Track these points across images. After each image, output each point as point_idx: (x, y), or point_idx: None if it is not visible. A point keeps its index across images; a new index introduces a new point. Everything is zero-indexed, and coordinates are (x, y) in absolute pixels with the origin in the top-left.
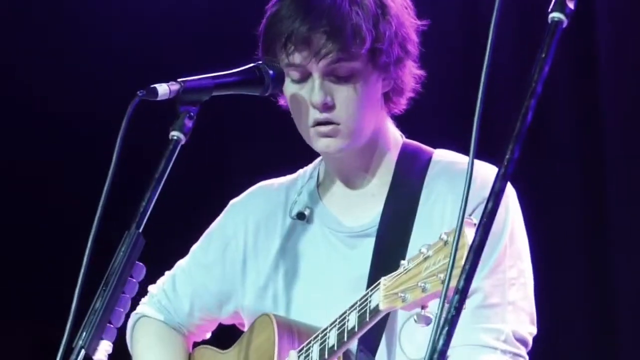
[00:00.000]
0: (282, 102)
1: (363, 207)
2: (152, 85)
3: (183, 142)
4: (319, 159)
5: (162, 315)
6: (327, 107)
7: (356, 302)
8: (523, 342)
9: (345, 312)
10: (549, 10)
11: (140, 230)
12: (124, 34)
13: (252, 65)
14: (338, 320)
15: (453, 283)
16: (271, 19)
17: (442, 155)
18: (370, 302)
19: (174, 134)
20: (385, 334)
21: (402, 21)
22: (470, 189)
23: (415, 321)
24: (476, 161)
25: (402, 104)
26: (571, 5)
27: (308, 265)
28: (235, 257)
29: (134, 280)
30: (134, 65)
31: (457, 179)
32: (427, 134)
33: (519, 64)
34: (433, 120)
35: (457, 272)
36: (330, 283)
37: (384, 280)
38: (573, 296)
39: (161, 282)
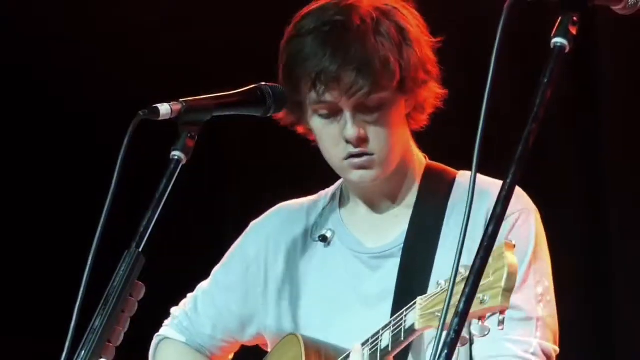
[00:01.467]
0: (300, 130)
1: (385, 228)
2: (154, 105)
3: (184, 162)
4: (340, 180)
5: (184, 336)
6: (362, 140)
7: (390, 321)
8: (549, 357)
9: (378, 332)
10: (552, 35)
11: (141, 250)
12: (129, 53)
13: (253, 86)
14: (370, 340)
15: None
16: (295, 58)
17: (465, 177)
18: (405, 321)
19: (175, 153)
20: (411, 354)
21: (422, 43)
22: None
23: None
24: (496, 181)
25: (423, 120)
26: (574, 31)
27: (329, 288)
28: (257, 278)
29: (134, 299)
30: (138, 83)
31: (480, 201)
32: (433, 151)
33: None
34: (438, 135)
35: (496, 291)
36: (350, 305)
37: (420, 300)
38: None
39: (183, 304)
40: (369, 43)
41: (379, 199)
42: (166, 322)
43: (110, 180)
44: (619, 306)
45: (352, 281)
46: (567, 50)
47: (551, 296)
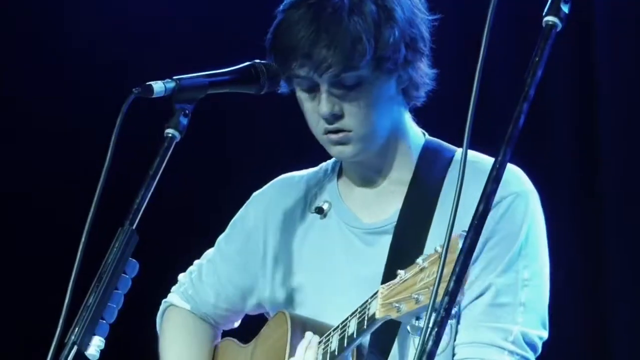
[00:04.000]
0: None
1: (381, 204)
2: (147, 83)
3: (178, 139)
4: None
5: (189, 304)
6: (336, 117)
7: (357, 309)
8: (532, 345)
9: (347, 318)
10: (544, 13)
11: (134, 227)
12: (121, 31)
13: (247, 63)
14: (340, 325)
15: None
16: (276, 30)
17: None
18: (368, 309)
19: (169, 131)
20: (397, 339)
21: (411, 20)
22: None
23: (409, 332)
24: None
25: (421, 97)
26: (565, 9)
27: (324, 261)
28: (256, 249)
29: (127, 276)
30: (129, 62)
31: (479, 181)
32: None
33: (519, 59)
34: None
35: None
36: (345, 280)
37: (381, 289)
38: (566, 295)
39: (189, 271)
40: (342, 21)
41: (373, 175)
42: (173, 288)
43: (104, 158)
44: (614, 303)
45: (346, 257)
46: (559, 29)
47: (540, 281)
